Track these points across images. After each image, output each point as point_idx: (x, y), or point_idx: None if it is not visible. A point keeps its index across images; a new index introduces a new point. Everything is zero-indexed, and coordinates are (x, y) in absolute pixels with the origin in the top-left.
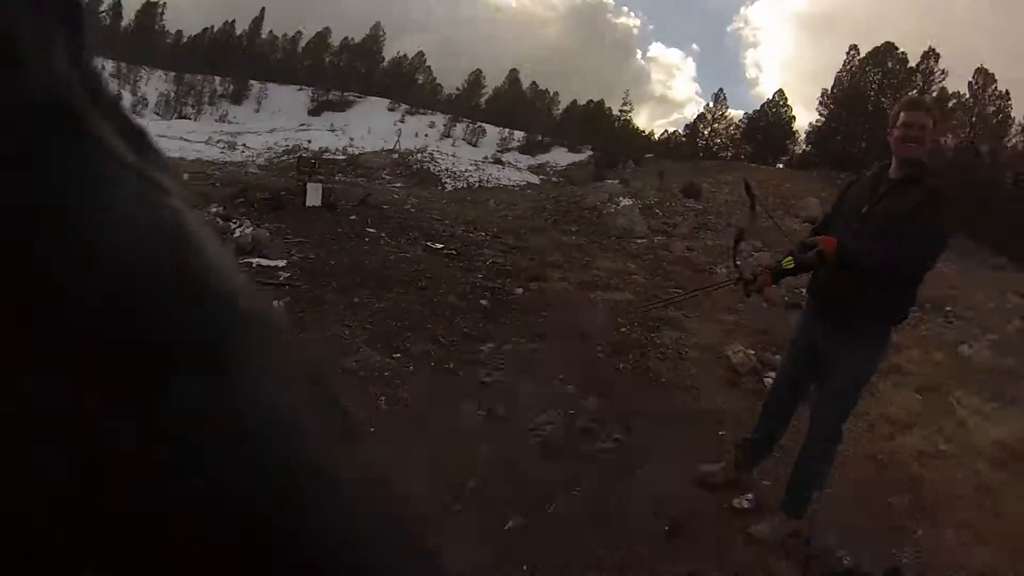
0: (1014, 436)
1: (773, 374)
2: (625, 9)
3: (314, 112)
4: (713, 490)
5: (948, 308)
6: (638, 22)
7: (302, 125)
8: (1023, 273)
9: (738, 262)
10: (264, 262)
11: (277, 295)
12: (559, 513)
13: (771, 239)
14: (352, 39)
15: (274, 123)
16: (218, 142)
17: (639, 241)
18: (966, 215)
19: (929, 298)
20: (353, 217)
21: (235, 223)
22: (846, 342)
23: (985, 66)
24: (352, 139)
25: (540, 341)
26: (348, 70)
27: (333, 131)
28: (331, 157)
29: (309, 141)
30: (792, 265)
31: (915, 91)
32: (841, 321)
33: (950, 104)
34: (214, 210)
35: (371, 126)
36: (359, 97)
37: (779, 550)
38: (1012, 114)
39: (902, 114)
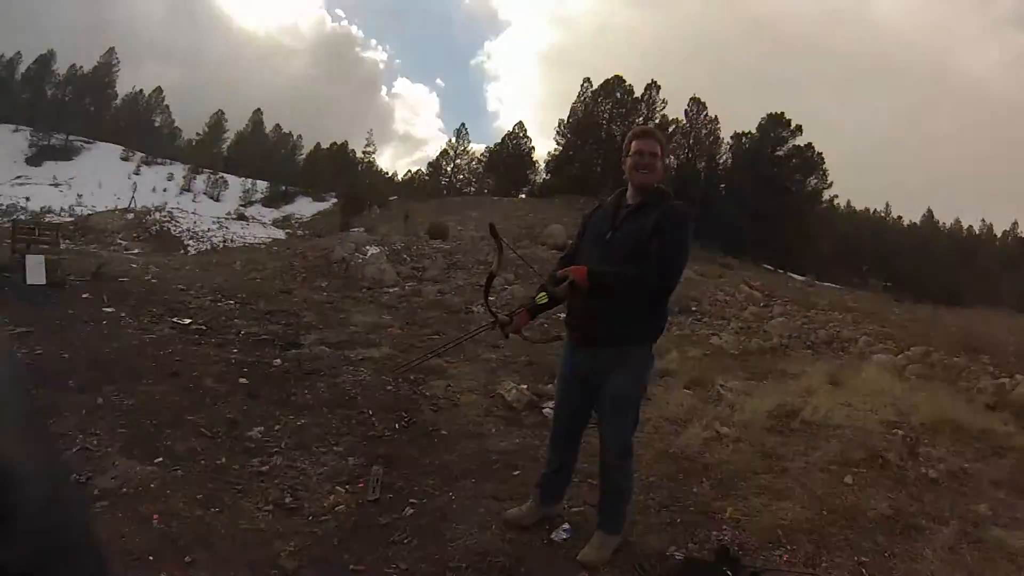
0: (777, 403)
1: (551, 403)
2: (373, 42)
3: (33, 161)
4: (526, 531)
5: (694, 307)
6: (385, 56)
7: (18, 177)
8: (747, 268)
9: (491, 307)
10: None
11: None
12: None
13: (523, 272)
14: (81, 68)
15: None
16: None
17: (391, 290)
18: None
19: (675, 302)
20: (86, 295)
21: None
22: (614, 363)
23: (697, 95)
24: (80, 195)
25: (309, 414)
26: (75, 107)
27: (57, 186)
28: (56, 219)
29: (27, 199)
30: (546, 300)
31: (641, 118)
32: (604, 344)
33: (671, 129)
34: None
35: (102, 179)
36: (88, 143)
37: (612, 568)
38: (721, 135)
39: (633, 143)
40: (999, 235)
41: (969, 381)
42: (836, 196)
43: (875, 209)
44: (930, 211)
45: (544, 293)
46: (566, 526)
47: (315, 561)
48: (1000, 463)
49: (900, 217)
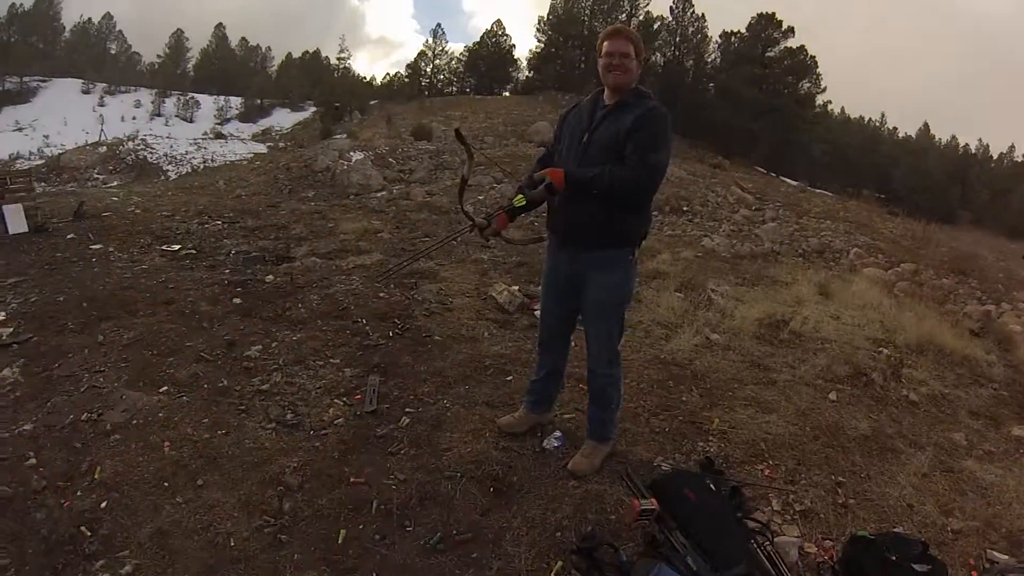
0: (766, 312)
1: None
2: None
3: None
4: (519, 439)
5: (685, 208)
6: None
7: None
8: (739, 169)
9: (467, 211)
10: None
11: (6, 360)
12: (385, 509)
13: (511, 170)
14: (21, 5)
15: None
16: None
17: (378, 195)
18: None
19: (666, 202)
20: (71, 235)
21: None
22: (593, 267)
23: None
24: (47, 136)
25: (304, 328)
26: (22, 47)
27: (21, 130)
28: (27, 164)
29: None
30: (524, 202)
31: (623, 15)
32: (583, 247)
33: (655, 26)
34: None
35: (66, 116)
36: (44, 81)
37: (601, 477)
38: (708, 33)
39: (604, 43)
40: (995, 156)
41: (956, 304)
42: (830, 102)
43: (870, 118)
44: (927, 125)
45: (521, 196)
46: (558, 434)
47: (317, 475)
48: (979, 392)
49: (895, 129)
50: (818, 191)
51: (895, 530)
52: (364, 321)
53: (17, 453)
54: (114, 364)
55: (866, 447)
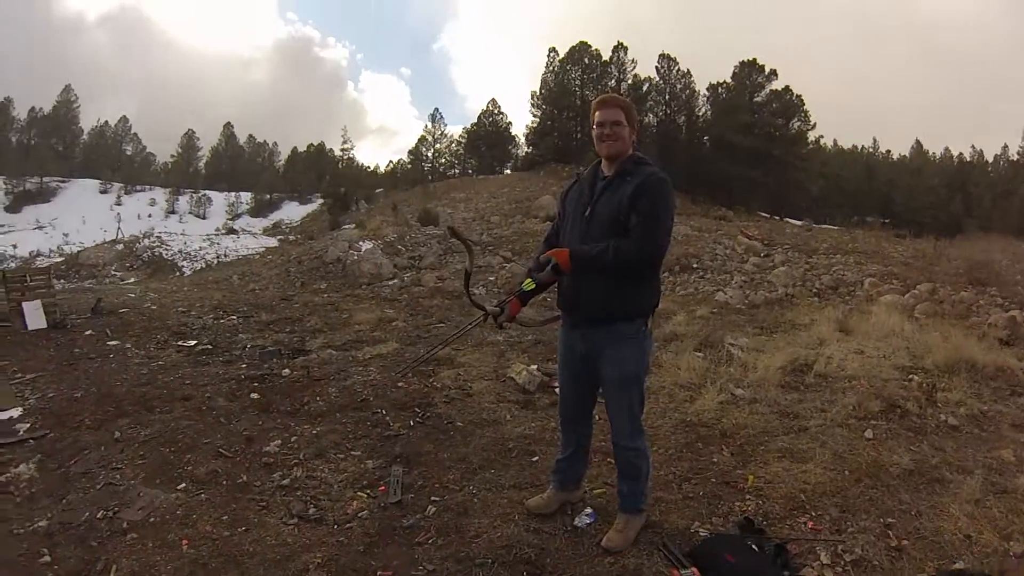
0: (789, 358)
1: None
2: (332, 40)
3: (13, 208)
4: (550, 519)
5: (695, 265)
6: (347, 52)
7: (1, 226)
8: (743, 218)
9: (476, 300)
10: None
11: (23, 456)
12: None
13: (519, 248)
14: (41, 110)
15: None
16: None
17: (390, 283)
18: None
19: (675, 261)
20: (89, 332)
21: None
22: (607, 343)
23: (667, 52)
24: (66, 235)
25: (323, 421)
26: (43, 149)
27: (41, 228)
28: (46, 261)
29: (15, 246)
30: (533, 286)
31: (612, 81)
32: (594, 324)
33: (645, 88)
34: None
35: (85, 215)
36: (63, 181)
37: (637, 550)
38: (696, 88)
39: (596, 113)
40: (990, 160)
41: (980, 316)
42: (822, 136)
43: (863, 145)
44: (918, 142)
45: (530, 279)
46: (589, 511)
47: (343, 570)
48: (1020, 402)
49: (889, 151)
50: (824, 227)
51: (956, 567)
52: (384, 411)
53: (32, 550)
54: (131, 461)
55: (911, 482)
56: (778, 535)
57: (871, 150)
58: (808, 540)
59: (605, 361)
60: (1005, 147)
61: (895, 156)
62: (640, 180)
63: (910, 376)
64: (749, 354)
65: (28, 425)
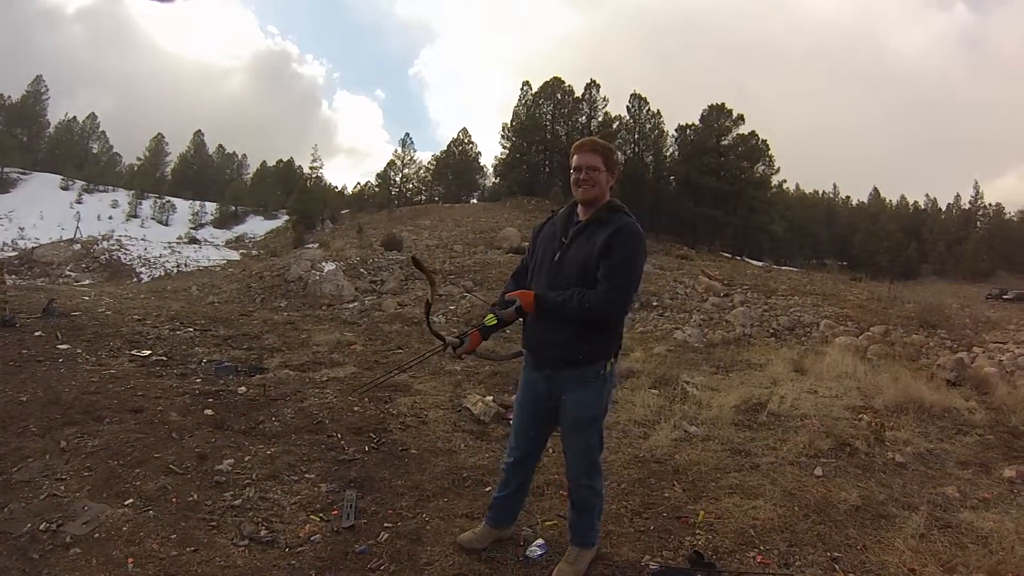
0: (743, 397)
1: None
2: (310, 57)
3: None
4: (502, 547)
5: (655, 303)
6: (324, 70)
7: None
8: (705, 257)
9: (437, 331)
10: None
11: None
12: None
13: (480, 278)
14: (9, 97)
15: None
16: None
17: (350, 305)
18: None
19: (635, 299)
20: (39, 333)
21: None
22: (569, 384)
23: (638, 91)
24: (22, 229)
25: (278, 442)
26: (6, 138)
27: None
28: None
29: None
30: (495, 322)
31: (583, 118)
32: (559, 366)
33: (615, 125)
34: None
35: (43, 210)
36: (24, 174)
37: None
38: (665, 128)
39: (574, 157)
40: (943, 208)
41: (929, 358)
42: (785, 180)
43: (823, 191)
44: (876, 189)
45: (492, 315)
46: (540, 542)
47: None
48: (965, 441)
49: (848, 197)
50: (784, 268)
51: None
52: (339, 435)
53: None
54: (77, 472)
55: (858, 518)
56: (727, 569)
57: (831, 195)
58: (757, 574)
59: (567, 402)
60: (957, 196)
61: (854, 202)
62: (613, 229)
63: (860, 415)
64: (704, 392)
65: None
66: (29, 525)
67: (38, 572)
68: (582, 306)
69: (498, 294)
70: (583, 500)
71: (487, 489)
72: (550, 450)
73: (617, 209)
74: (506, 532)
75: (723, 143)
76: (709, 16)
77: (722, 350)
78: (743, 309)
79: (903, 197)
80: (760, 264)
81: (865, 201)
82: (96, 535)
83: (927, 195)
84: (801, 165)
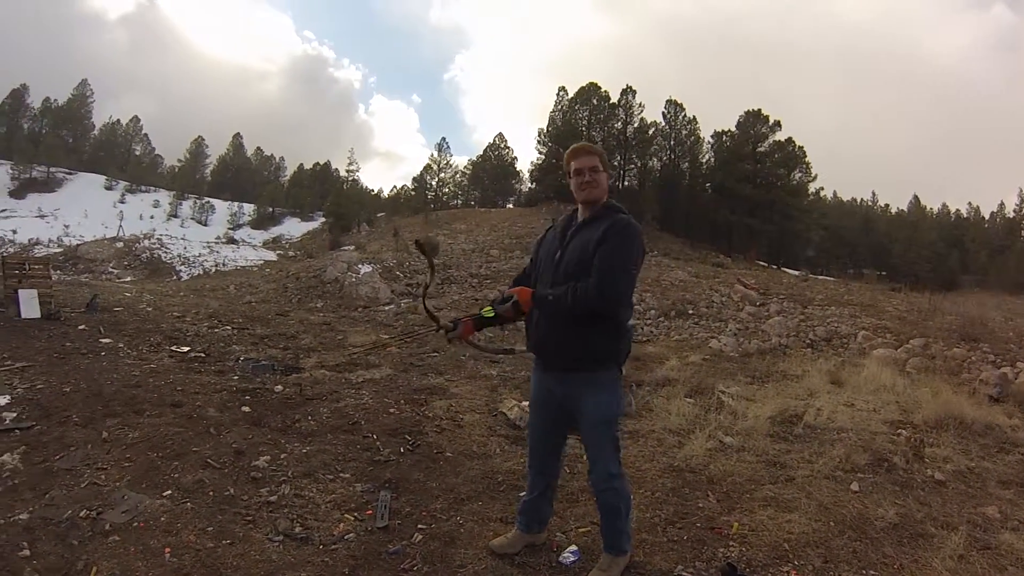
0: (779, 408)
1: None
2: (346, 62)
3: (17, 194)
4: (536, 553)
5: (691, 311)
6: (360, 75)
7: (3, 211)
8: (740, 265)
9: (432, 313)
10: None
11: (7, 445)
12: None
13: (488, 274)
14: (55, 100)
15: None
16: None
17: (386, 308)
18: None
19: (671, 306)
20: (82, 327)
21: None
22: (584, 387)
23: (674, 97)
24: (67, 226)
25: (314, 441)
26: (53, 139)
27: (43, 217)
28: (44, 251)
29: (15, 231)
30: (492, 315)
31: (619, 124)
32: (569, 369)
33: (651, 132)
34: None
35: (88, 209)
36: (70, 174)
37: None
38: (701, 135)
39: (572, 163)
40: (986, 216)
41: (971, 372)
42: (822, 188)
43: (862, 198)
44: (916, 197)
45: (490, 308)
46: (573, 548)
47: None
48: (1007, 460)
49: (887, 205)
50: (820, 278)
51: None
52: (375, 436)
53: (11, 542)
54: (117, 463)
55: (896, 536)
56: None
57: (870, 203)
58: None
59: (583, 405)
60: (1001, 204)
61: (893, 210)
62: (609, 223)
63: (899, 430)
64: (740, 402)
65: (15, 415)
66: (70, 512)
67: (77, 557)
68: (575, 296)
69: None
70: (608, 503)
71: (521, 494)
72: (583, 457)
73: (613, 208)
74: (539, 538)
75: (759, 150)
76: (744, 20)
77: (758, 360)
78: (779, 319)
79: (944, 205)
80: (796, 273)
81: (905, 209)
82: (135, 524)
83: (969, 203)
84: (839, 172)
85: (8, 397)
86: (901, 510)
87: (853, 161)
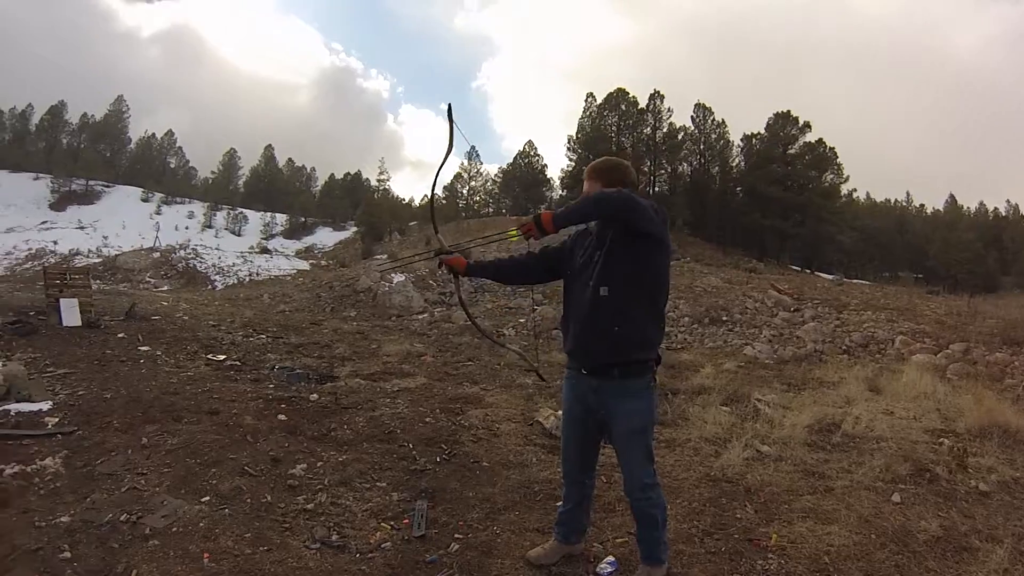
0: (816, 417)
1: None
2: (374, 72)
3: (57, 206)
4: (572, 563)
5: (724, 318)
6: (388, 85)
7: (44, 223)
8: (773, 270)
9: (440, 237)
10: (25, 407)
11: (50, 450)
12: None
13: (550, 289)
14: (92, 116)
15: (9, 221)
16: None
17: (420, 317)
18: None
19: (705, 313)
20: (121, 335)
21: None
22: (620, 396)
23: (703, 101)
24: (106, 237)
25: (350, 450)
26: (91, 153)
27: (82, 228)
28: (84, 261)
29: (56, 242)
30: (515, 236)
31: (647, 129)
32: (606, 376)
33: (679, 136)
34: None
35: (125, 220)
36: (107, 186)
37: None
38: (731, 138)
39: (585, 184)
40: None
41: (1015, 378)
42: (855, 190)
43: (896, 199)
44: (952, 196)
45: (515, 230)
46: (610, 559)
47: None
48: None
49: (923, 205)
50: (855, 281)
51: None
52: (411, 445)
53: (52, 544)
54: (156, 468)
55: (939, 549)
56: None
57: (904, 203)
58: None
59: (618, 415)
60: None
61: (929, 210)
62: None
63: (940, 439)
64: (776, 410)
65: (57, 420)
66: (110, 515)
67: (117, 560)
68: (598, 198)
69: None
70: (643, 512)
71: (558, 503)
72: (619, 466)
73: None
74: (576, 548)
75: (790, 152)
76: (768, 19)
77: (793, 367)
78: (814, 324)
79: (981, 204)
80: (830, 277)
81: (941, 209)
82: (174, 529)
83: (1007, 201)
84: (871, 172)
85: (51, 403)
86: (944, 522)
87: (886, 161)
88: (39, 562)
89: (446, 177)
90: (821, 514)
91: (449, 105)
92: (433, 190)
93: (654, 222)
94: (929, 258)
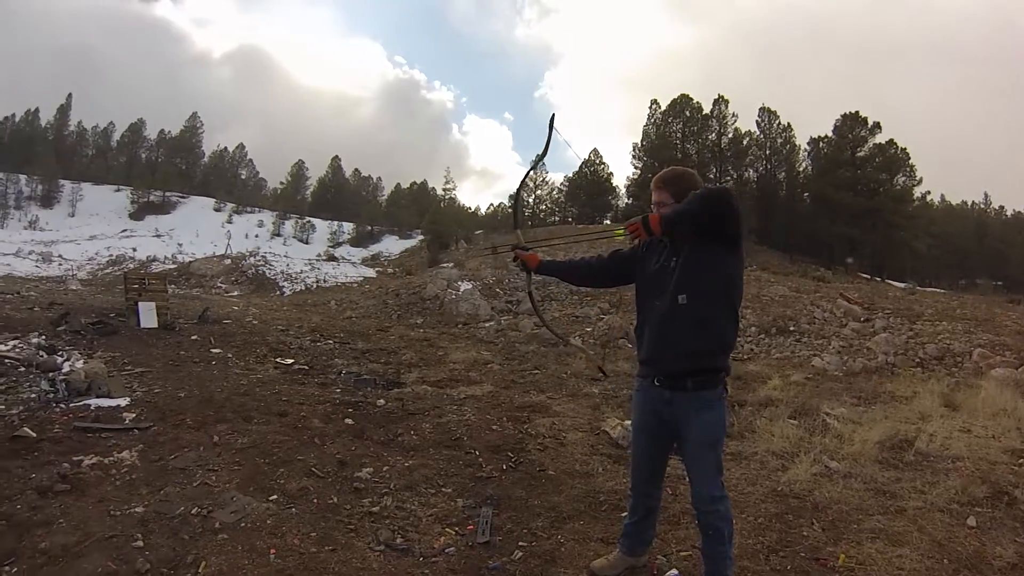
0: (888, 433)
1: None
2: (437, 84)
3: (136, 216)
4: (633, 575)
5: (792, 328)
6: (452, 96)
7: (124, 231)
8: (842, 279)
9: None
10: (104, 403)
11: (126, 443)
12: None
13: (617, 298)
14: (169, 132)
15: (93, 229)
16: (30, 253)
17: (486, 324)
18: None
19: (772, 323)
20: (195, 337)
21: (62, 355)
22: (694, 407)
23: (767, 105)
24: (181, 245)
25: (416, 455)
26: (167, 166)
27: (159, 236)
28: (161, 267)
29: (135, 249)
30: (621, 233)
31: (712, 135)
32: (677, 378)
33: (744, 142)
34: (35, 340)
35: (199, 229)
36: (183, 197)
37: None
38: (797, 142)
39: (652, 194)
40: None
41: None
42: (928, 192)
43: (973, 201)
44: None
45: (622, 229)
46: (674, 572)
47: None
48: None
49: (1002, 207)
50: (929, 290)
51: None
52: (477, 452)
53: (125, 533)
54: (227, 465)
55: None
56: None
57: (982, 206)
58: None
59: (692, 426)
60: None
61: (1009, 212)
62: None
63: (1021, 460)
64: (846, 425)
65: (134, 415)
66: (182, 508)
67: (187, 551)
68: (701, 194)
69: (634, 316)
70: (710, 525)
71: (623, 514)
72: (685, 478)
73: None
74: (639, 560)
75: (859, 154)
76: (833, 17)
77: (864, 380)
78: (885, 335)
79: None
80: (903, 286)
81: (1022, 211)
82: (242, 524)
83: None
84: (948, 175)
85: (128, 399)
86: (1022, 549)
87: (962, 162)
88: (112, 549)
89: (510, 186)
90: (892, 535)
91: (552, 116)
92: (519, 191)
93: (741, 225)
94: (1010, 264)
